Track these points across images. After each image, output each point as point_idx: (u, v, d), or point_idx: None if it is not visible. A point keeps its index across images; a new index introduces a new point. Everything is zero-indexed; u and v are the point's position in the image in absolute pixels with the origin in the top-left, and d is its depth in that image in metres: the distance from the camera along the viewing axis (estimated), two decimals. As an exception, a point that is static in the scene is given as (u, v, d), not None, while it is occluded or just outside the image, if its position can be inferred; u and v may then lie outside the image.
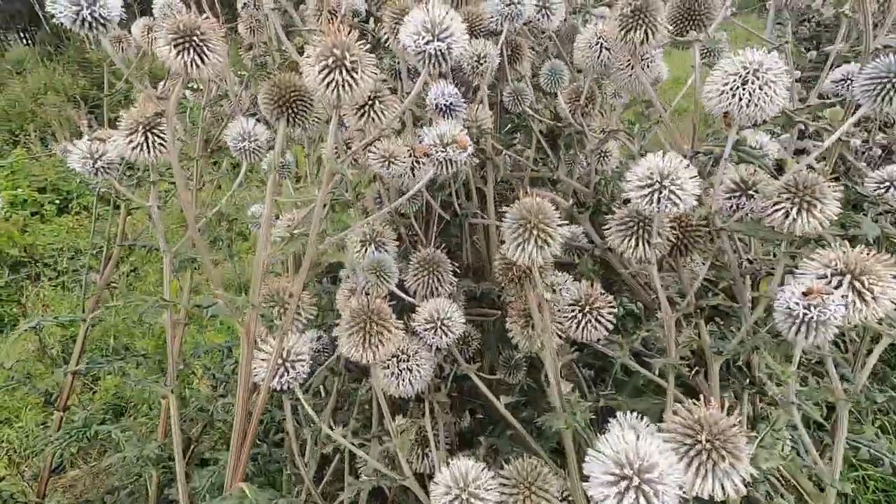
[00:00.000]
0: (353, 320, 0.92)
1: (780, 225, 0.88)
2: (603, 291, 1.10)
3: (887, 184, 1.16)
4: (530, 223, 0.82)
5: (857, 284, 0.75)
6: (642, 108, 1.25)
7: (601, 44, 1.25)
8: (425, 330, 1.03)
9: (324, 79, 0.84)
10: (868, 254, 0.79)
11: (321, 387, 1.23)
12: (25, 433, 2.83)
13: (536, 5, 1.30)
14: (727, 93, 0.86)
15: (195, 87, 1.99)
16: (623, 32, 1.07)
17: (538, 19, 1.31)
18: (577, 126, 1.32)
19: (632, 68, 1.24)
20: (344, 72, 0.84)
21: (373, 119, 0.97)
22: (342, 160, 0.87)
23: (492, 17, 1.19)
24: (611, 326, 1.09)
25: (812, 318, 0.68)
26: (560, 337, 1.09)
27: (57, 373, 1.95)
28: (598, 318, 1.07)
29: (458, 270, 1.20)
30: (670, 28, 1.21)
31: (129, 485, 1.95)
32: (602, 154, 1.44)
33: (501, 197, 1.44)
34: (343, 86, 0.84)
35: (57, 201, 5.14)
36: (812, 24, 3.57)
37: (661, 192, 0.83)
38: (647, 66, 1.23)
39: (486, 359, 1.30)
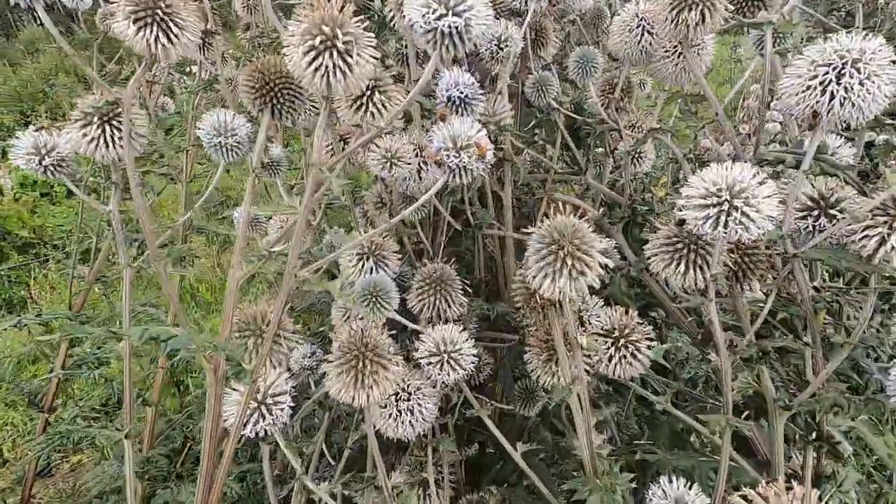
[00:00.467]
0: (344, 356, 0.77)
1: (872, 253, 0.71)
2: (640, 321, 0.94)
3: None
4: (563, 248, 0.66)
5: None
6: (687, 104, 1.07)
7: (643, 26, 1.07)
8: (430, 364, 0.87)
9: (310, 63, 0.68)
10: None
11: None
12: (29, 416, 2.74)
13: (567, -19, 1.13)
14: (816, 88, 0.68)
15: (187, 69, 1.84)
16: (674, 13, 0.89)
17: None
18: (610, 123, 1.14)
19: (679, 56, 1.05)
20: (335, 54, 0.67)
21: (372, 113, 0.81)
22: (333, 163, 0.71)
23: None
24: (648, 363, 0.93)
25: None
26: (588, 373, 0.93)
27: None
28: (635, 353, 0.91)
29: (470, 288, 1.04)
30: (730, 7, 1.02)
31: (113, 495, 1.84)
32: (636, 155, 1.26)
33: (519, 202, 1.27)
34: (334, 72, 0.68)
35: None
36: (842, 14, 3.33)
37: (729, 214, 0.66)
38: (699, 54, 1.04)
39: (499, 386, 1.14)
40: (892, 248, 0.69)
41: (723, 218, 0.67)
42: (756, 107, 2.09)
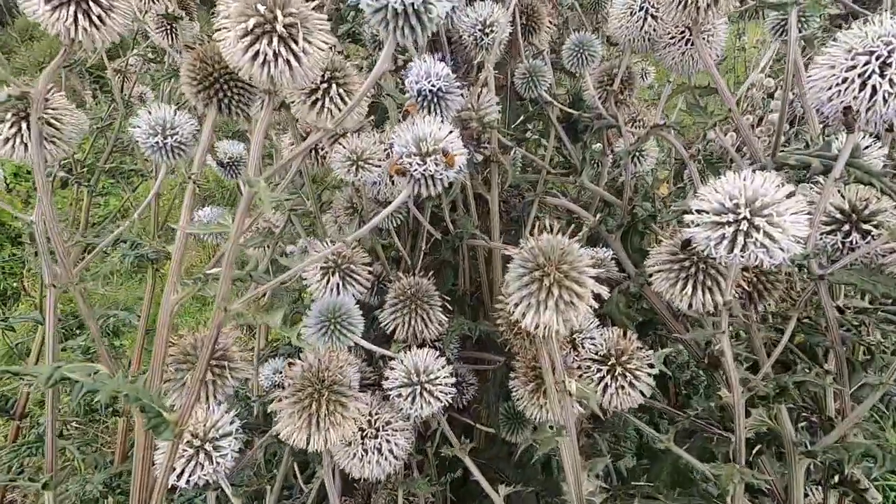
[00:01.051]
0: (296, 394, 0.66)
1: (913, 278, 0.60)
2: (640, 345, 0.83)
3: None
4: (549, 276, 0.55)
5: None
6: (695, 97, 0.95)
7: (646, 8, 0.95)
8: (400, 396, 0.76)
9: (246, 50, 0.56)
10: None
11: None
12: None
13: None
14: (854, 81, 0.57)
15: (153, 57, 1.71)
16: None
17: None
18: (609, 118, 1.02)
19: (687, 43, 0.94)
20: (275, 40, 0.56)
21: (330, 110, 0.69)
22: (268, 175, 0.60)
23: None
24: (647, 392, 0.83)
25: None
26: (580, 405, 0.83)
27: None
28: (633, 382, 0.80)
29: (452, 303, 0.94)
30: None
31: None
32: (637, 154, 1.14)
33: (507, 205, 1.15)
34: (275, 62, 0.56)
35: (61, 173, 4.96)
36: (842, 4, 3.20)
37: (748, 235, 0.55)
38: (708, 41, 0.92)
39: (483, 411, 1.04)
40: (941, 272, 0.58)
41: (741, 239, 0.55)
42: (771, 101, 1.96)
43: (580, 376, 0.83)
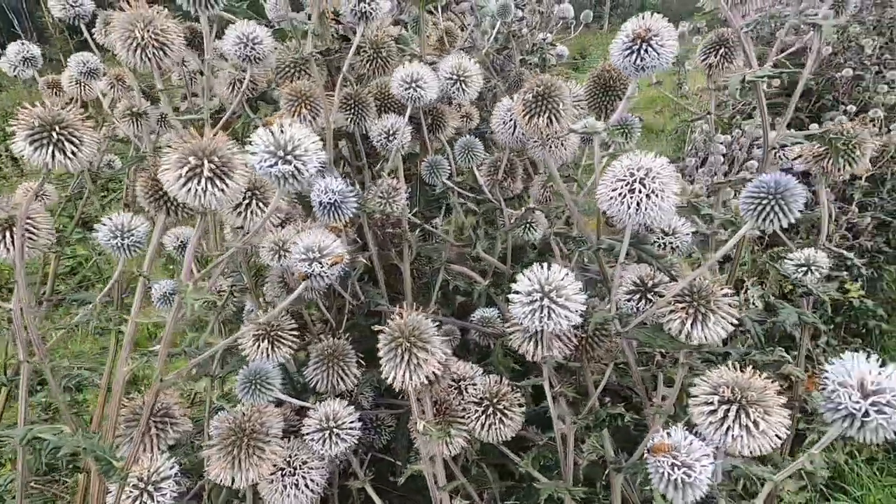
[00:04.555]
0: (222, 442, 0.84)
1: (677, 333, 0.83)
2: (515, 387, 1.04)
3: (805, 268, 1.13)
4: (402, 344, 0.76)
5: (744, 416, 0.70)
6: (554, 185, 1.21)
7: (514, 120, 1.21)
8: (314, 439, 0.95)
9: (182, 187, 0.78)
10: (760, 376, 0.74)
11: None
12: None
13: (451, 79, 1.26)
14: (616, 199, 0.82)
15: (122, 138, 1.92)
16: (527, 118, 1.03)
17: (453, 93, 1.26)
18: (493, 201, 1.27)
19: (545, 146, 1.20)
20: (203, 181, 0.77)
21: (253, 215, 0.91)
22: (197, 279, 0.80)
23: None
24: (518, 426, 1.03)
25: (677, 479, 0.62)
26: (467, 441, 1.03)
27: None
28: (503, 419, 1.01)
29: (366, 361, 1.13)
30: (582, 108, 1.17)
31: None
32: (527, 224, 1.39)
33: (420, 272, 1.38)
34: (203, 195, 0.78)
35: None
36: (778, 52, 3.69)
37: (542, 311, 0.78)
38: (563, 144, 1.19)
39: (400, 451, 1.22)
40: (689, 329, 0.81)
41: (538, 314, 0.78)
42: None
43: (462, 417, 1.03)
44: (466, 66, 1.26)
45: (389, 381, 0.77)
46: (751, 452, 0.69)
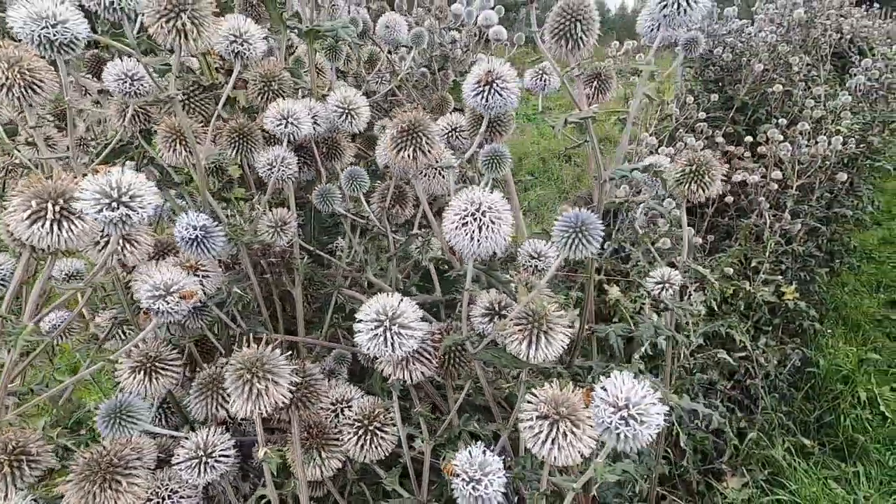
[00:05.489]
0: (80, 476, 0.86)
1: (517, 353, 0.90)
2: (386, 409, 1.09)
3: (661, 285, 1.23)
4: (243, 375, 0.80)
5: (561, 426, 0.77)
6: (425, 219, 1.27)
7: (401, 146, 1.27)
8: (181, 468, 0.97)
9: (27, 228, 0.80)
10: (580, 391, 0.81)
11: None
12: None
13: (340, 108, 1.32)
14: (454, 231, 0.88)
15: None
16: (395, 152, 1.10)
17: (340, 125, 1.32)
18: (380, 228, 1.32)
19: (422, 175, 1.26)
20: (48, 223, 0.80)
21: (114, 252, 0.93)
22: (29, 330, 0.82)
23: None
24: (392, 445, 1.08)
25: (472, 495, 0.68)
26: (342, 462, 1.07)
27: None
28: (375, 439, 1.05)
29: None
30: (465, 137, 1.25)
31: None
32: (424, 245, 1.45)
33: (315, 298, 1.42)
34: (49, 237, 0.80)
35: None
36: (717, 69, 3.93)
37: (386, 336, 0.83)
38: (439, 174, 1.26)
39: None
40: (527, 349, 0.88)
41: (381, 339, 0.84)
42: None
43: (337, 439, 1.07)
44: (352, 98, 1.31)
45: (233, 411, 0.81)
46: (563, 463, 0.76)
